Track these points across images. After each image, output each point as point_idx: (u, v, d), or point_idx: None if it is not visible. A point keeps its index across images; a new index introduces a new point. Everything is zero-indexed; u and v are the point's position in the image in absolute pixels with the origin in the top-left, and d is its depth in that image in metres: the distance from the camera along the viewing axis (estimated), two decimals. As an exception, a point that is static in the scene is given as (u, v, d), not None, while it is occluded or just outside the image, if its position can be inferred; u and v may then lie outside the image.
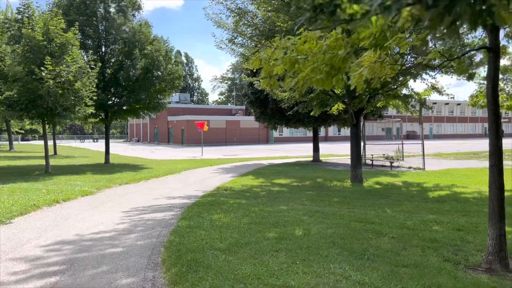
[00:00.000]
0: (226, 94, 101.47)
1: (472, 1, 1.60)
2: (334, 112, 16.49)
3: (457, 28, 1.73)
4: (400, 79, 13.56)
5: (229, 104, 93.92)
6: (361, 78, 5.78)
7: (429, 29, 1.83)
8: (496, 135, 5.31)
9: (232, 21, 14.13)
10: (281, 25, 12.27)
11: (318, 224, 7.62)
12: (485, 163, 20.55)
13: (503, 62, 11.85)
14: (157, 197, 11.36)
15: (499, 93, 12.66)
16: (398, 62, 6.44)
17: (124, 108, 23.36)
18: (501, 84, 12.67)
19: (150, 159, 27.96)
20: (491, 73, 5.32)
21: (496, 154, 5.29)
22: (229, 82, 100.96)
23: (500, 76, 12.28)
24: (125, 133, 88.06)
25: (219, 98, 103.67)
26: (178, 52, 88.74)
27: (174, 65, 23.16)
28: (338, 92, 14.14)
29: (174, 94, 27.75)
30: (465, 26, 2.00)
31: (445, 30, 1.77)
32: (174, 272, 5.12)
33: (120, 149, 42.99)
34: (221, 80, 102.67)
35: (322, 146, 39.45)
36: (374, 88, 12.90)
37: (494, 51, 5.29)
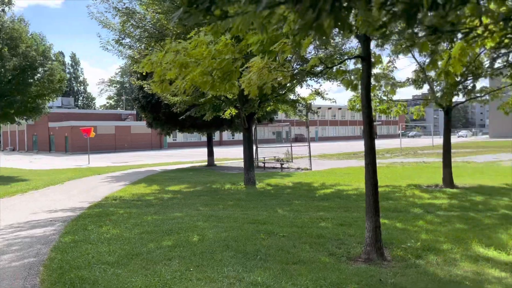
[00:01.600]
0: (115, 98, 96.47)
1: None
2: (226, 117, 16.69)
3: (323, 27, 1.84)
4: (288, 84, 14.27)
5: (118, 108, 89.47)
6: (250, 83, 5.93)
7: (300, 30, 1.92)
8: (370, 136, 5.86)
9: (119, 21, 13.43)
10: (171, 28, 12.04)
11: (212, 229, 7.61)
12: (363, 162, 22.67)
13: (376, 70, 13.17)
14: (36, 212, 10.29)
15: (373, 98, 14.04)
16: (286, 68, 6.74)
17: (-5, 113, 20.79)
18: (375, 90, 14.05)
19: (28, 170, 25.29)
20: (364, 80, 5.85)
21: (370, 154, 5.83)
22: (118, 86, 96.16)
23: (374, 82, 13.64)
24: (-3, 141, 78.34)
25: (107, 103, 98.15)
26: (61, 53, 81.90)
27: (53, 64, 21.28)
28: (230, 97, 14.35)
29: (56, 99, 25.43)
30: (339, 32, 2.15)
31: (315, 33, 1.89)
32: (55, 293, 4.66)
33: (-9, 160, 38.14)
34: (109, 84, 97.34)
35: (217, 150, 39.71)
36: (264, 94, 13.37)
37: (366, 60, 5.84)
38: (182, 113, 17.37)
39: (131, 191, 13.68)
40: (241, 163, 23.38)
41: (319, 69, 10.37)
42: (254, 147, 21.69)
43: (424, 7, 1.76)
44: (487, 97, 14.16)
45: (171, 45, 5.95)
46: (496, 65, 11.84)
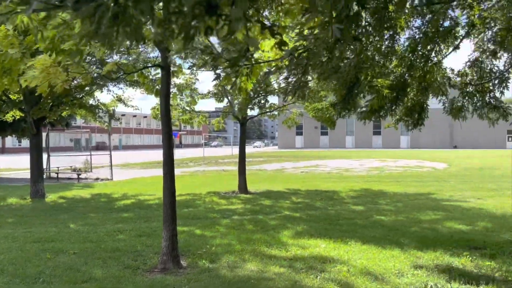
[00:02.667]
0: None
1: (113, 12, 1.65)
2: (9, 120, 14.45)
3: (108, 37, 1.73)
4: (87, 88, 13.26)
5: None
6: (35, 82, 5.24)
7: (83, 37, 1.77)
8: (168, 146, 5.87)
9: None
10: None
11: (-18, 253, 6.38)
12: (167, 171, 22.71)
13: (179, 80, 13.46)
14: None
15: (176, 108, 14.29)
16: (85, 68, 6.22)
17: None
18: (177, 100, 14.32)
19: None
20: (163, 89, 5.86)
21: (168, 163, 5.85)
22: None
23: (175, 91, 13.89)
24: None
25: None
26: None
27: None
28: (14, 98, 12.48)
29: None
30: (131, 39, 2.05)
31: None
32: None
33: None
34: None
35: (-2, 159, 33.96)
36: (57, 96, 12.09)
37: (166, 69, 5.86)
38: None
39: None
40: (28, 174, 20.54)
41: (119, 75, 9.96)
42: (46, 156, 19.36)
43: (200, 32, 1.82)
44: (275, 112, 16.12)
45: None
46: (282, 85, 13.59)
